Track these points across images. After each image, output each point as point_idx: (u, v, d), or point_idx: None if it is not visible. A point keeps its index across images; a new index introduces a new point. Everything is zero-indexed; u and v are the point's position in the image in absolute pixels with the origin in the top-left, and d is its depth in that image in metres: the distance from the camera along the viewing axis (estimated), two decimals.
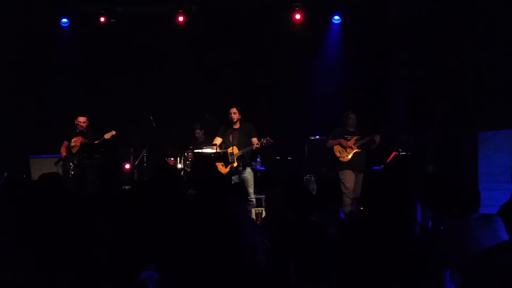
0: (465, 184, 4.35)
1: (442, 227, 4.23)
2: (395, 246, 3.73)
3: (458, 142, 9.05)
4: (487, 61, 8.91)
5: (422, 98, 10.18)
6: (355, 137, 9.19)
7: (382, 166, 9.20)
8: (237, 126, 9.33)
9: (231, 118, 9.28)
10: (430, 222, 4.77)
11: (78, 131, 9.78)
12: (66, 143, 9.77)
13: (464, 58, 9.30)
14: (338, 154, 9.19)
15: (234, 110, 9.29)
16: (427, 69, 10.02)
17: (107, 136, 9.69)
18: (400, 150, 9.01)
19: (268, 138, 9.09)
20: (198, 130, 10.49)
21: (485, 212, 4.14)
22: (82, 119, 9.79)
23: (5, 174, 9.25)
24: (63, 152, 9.75)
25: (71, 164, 9.59)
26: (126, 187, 7.34)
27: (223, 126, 9.50)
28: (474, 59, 9.17)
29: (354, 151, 9.13)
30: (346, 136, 9.22)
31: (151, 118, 10.59)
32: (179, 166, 10.05)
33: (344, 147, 9.16)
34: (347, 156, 9.13)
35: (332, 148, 9.24)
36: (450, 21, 9.46)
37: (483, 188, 4.29)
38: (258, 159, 10.73)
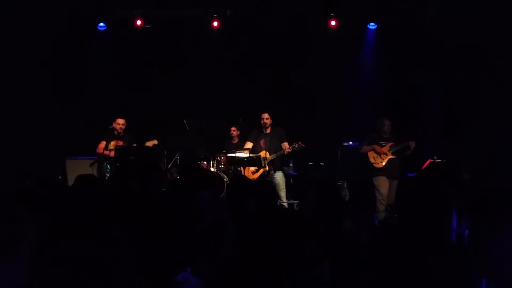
0: (501, 191, 4.30)
1: (478, 235, 4.18)
2: (430, 254, 3.70)
3: (494, 149, 8.93)
4: None
5: (458, 105, 10.08)
6: (390, 144, 9.11)
7: (416, 173, 9.11)
8: (268, 130, 9.33)
9: (264, 124, 9.28)
10: (467, 230, 4.72)
11: (116, 133, 9.81)
12: (104, 143, 9.75)
13: (501, 62, 9.18)
14: (372, 160, 9.12)
15: (266, 115, 9.30)
16: (462, 74, 9.91)
17: (149, 144, 9.71)
18: (435, 157, 8.90)
19: (299, 142, 9.09)
20: (233, 128, 10.50)
21: None
22: (121, 121, 9.76)
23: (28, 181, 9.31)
24: (100, 150, 9.70)
25: (108, 166, 9.60)
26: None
27: (254, 130, 9.52)
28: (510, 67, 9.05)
29: (389, 157, 9.05)
30: (380, 142, 9.15)
31: (185, 122, 10.65)
32: (212, 169, 10.11)
33: (379, 153, 9.09)
34: (381, 162, 9.05)
35: (366, 154, 9.18)
36: (486, 27, 9.35)
37: None
38: (291, 164, 10.73)
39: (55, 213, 4.32)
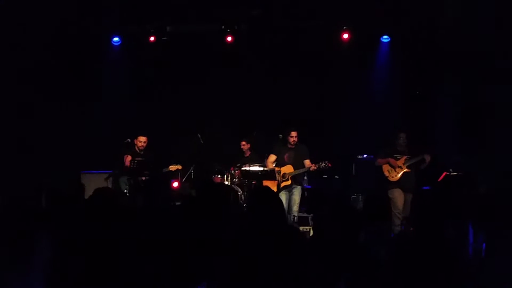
0: None
1: (495, 249, 4.14)
2: (446, 268, 3.67)
3: (511, 162, 8.85)
4: None
5: (473, 117, 10.01)
6: (405, 157, 9.08)
7: (430, 186, 9.06)
8: (292, 146, 9.45)
9: (293, 141, 9.44)
10: (484, 244, 4.66)
11: (137, 150, 9.85)
12: (130, 157, 9.72)
13: None
14: (387, 174, 9.09)
15: (295, 133, 9.46)
16: (478, 87, 9.85)
17: (172, 168, 9.80)
18: (451, 170, 8.85)
19: (327, 162, 9.16)
20: (243, 142, 10.50)
21: None
22: (142, 138, 9.81)
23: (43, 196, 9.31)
24: (127, 163, 9.66)
25: (126, 181, 9.62)
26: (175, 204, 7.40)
27: (278, 144, 9.63)
28: None
29: (404, 170, 9.02)
30: (395, 156, 9.12)
31: (199, 136, 10.67)
32: (226, 183, 10.12)
33: (393, 167, 9.06)
34: (396, 175, 9.02)
35: (381, 167, 9.15)
36: (498, 42, 9.31)
37: None
38: (305, 178, 10.72)
39: (70, 228, 4.32)
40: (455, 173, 8.78)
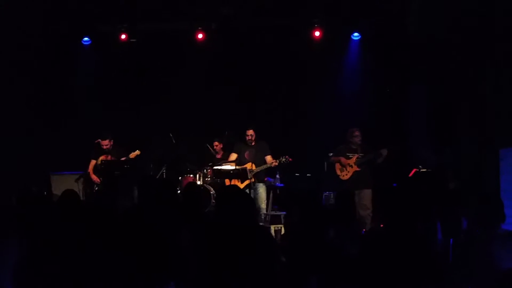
0: (487, 199, 4.31)
1: (464, 244, 4.20)
2: (415, 263, 3.71)
3: (479, 159, 8.96)
4: (508, 77, 8.83)
5: (442, 114, 10.10)
6: (356, 156, 9.09)
7: (398, 183, 9.10)
8: (253, 143, 9.47)
9: (249, 140, 9.45)
10: (451, 239, 4.73)
11: (104, 149, 9.88)
12: (94, 161, 9.86)
13: (484, 74, 9.22)
14: (338, 172, 9.18)
15: (251, 132, 9.46)
16: (447, 85, 9.94)
17: (132, 155, 9.79)
18: (420, 166, 8.91)
19: (287, 156, 9.16)
20: (216, 143, 10.49)
21: (507, 229, 4.10)
22: (104, 142, 9.84)
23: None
24: (91, 170, 9.85)
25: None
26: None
27: (238, 142, 9.66)
28: (495, 75, 9.09)
29: (354, 170, 9.04)
30: (347, 154, 9.13)
31: (171, 135, 10.63)
32: (199, 182, 10.09)
33: (344, 165, 9.10)
34: (346, 174, 9.07)
35: (334, 165, 9.22)
36: (469, 37, 9.39)
37: (504, 205, 4.23)
38: (277, 176, 10.73)
39: (39, 229, 4.29)
40: (425, 170, 8.86)
